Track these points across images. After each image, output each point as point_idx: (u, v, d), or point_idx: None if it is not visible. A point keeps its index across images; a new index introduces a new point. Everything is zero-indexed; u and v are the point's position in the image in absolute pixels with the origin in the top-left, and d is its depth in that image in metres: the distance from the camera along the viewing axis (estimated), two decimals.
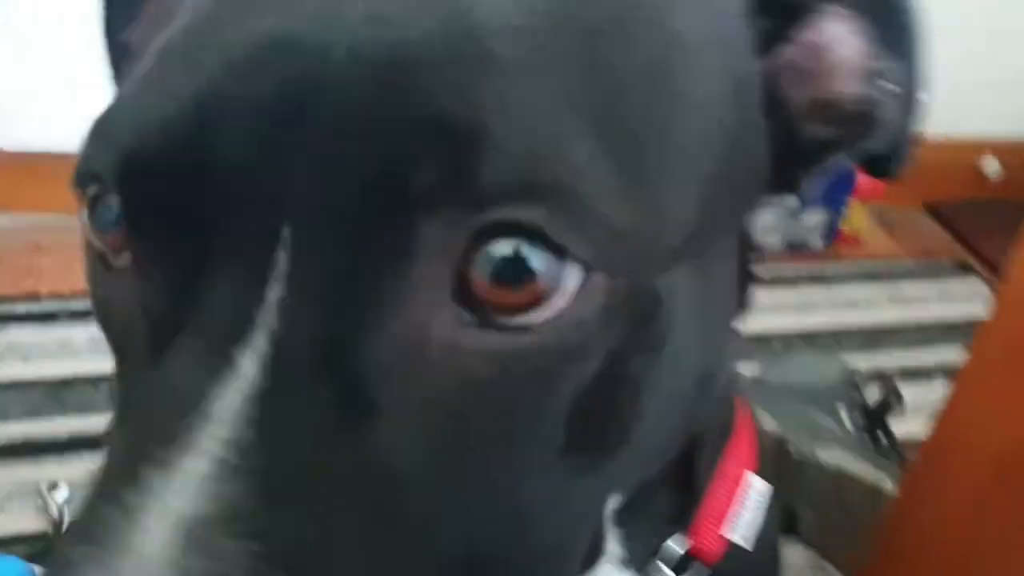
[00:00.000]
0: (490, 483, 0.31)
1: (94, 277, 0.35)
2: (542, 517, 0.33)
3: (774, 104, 0.38)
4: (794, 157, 0.39)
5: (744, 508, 0.50)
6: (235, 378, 0.28)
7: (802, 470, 1.11)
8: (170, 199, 0.29)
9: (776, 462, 1.15)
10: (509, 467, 0.31)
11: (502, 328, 0.29)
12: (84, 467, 1.09)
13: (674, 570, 0.47)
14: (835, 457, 1.08)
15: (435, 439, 0.29)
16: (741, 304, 0.42)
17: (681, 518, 0.48)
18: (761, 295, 0.42)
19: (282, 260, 0.28)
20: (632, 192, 0.30)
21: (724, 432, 0.50)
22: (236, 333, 0.28)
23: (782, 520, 1.20)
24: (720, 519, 0.49)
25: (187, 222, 0.29)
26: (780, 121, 0.38)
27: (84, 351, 1.31)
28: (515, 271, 0.28)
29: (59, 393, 1.24)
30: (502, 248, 0.28)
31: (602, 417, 0.32)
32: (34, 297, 1.39)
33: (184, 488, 0.27)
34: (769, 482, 1.15)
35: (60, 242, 1.45)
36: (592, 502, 0.37)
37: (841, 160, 0.41)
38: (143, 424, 0.29)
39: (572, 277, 0.29)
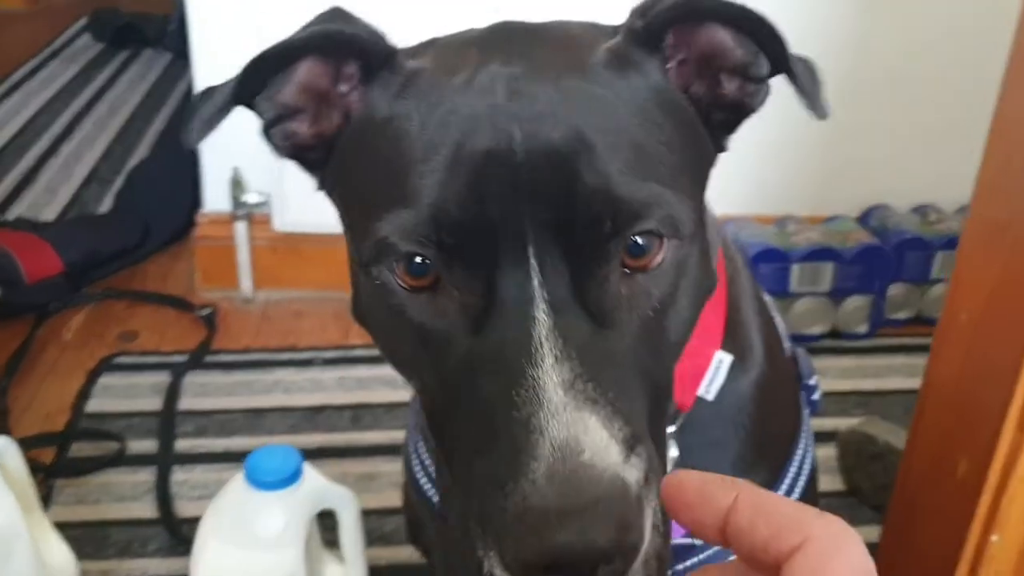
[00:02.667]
0: (662, 350, 0.57)
1: (391, 308, 0.57)
2: (671, 372, 0.60)
3: (696, 105, 0.62)
4: (714, 132, 0.63)
5: (713, 374, 0.72)
6: (539, 324, 0.52)
7: (882, 457, 1.35)
8: (468, 244, 0.54)
9: (859, 450, 1.40)
10: (667, 344, 0.58)
11: (641, 273, 0.55)
12: (332, 470, 1.47)
13: None
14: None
15: (636, 327, 0.55)
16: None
17: None
18: None
19: (535, 267, 0.52)
20: (684, 201, 0.57)
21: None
22: (528, 303, 0.52)
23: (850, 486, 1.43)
24: (695, 380, 0.71)
25: (479, 256, 0.53)
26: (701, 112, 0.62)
27: (331, 387, 1.72)
28: (643, 251, 0.55)
29: (312, 416, 1.65)
30: (640, 241, 0.54)
31: (679, 316, 0.58)
32: (295, 349, 1.82)
33: (555, 369, 0.50)
34: (852, 463, 1.39)
35: (315, 311, 1.90)
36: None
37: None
38: (497, 358, 0.52)
39: (665, 246, 0.55)
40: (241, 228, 1.90)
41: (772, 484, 0.75)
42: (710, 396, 0.72)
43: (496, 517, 0.48)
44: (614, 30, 0.62)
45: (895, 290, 1.86)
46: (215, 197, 1.92)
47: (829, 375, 1.75)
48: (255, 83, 0.61)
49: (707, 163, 0.63)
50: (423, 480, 0.84)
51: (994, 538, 0.80)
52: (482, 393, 0.52)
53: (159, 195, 2.13)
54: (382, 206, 0.55)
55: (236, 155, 1.85)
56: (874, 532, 1.21)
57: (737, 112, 0.63)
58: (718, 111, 0.63)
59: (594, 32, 0.63)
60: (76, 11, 3.45)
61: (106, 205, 2.25)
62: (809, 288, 1.79)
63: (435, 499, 0.82)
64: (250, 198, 1.87)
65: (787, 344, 0.83)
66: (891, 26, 1.89)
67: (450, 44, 0.63)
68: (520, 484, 0.47)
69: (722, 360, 0.71)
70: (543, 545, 0.45)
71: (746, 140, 2.20)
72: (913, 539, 0.93)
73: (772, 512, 0.39)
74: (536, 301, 0.52)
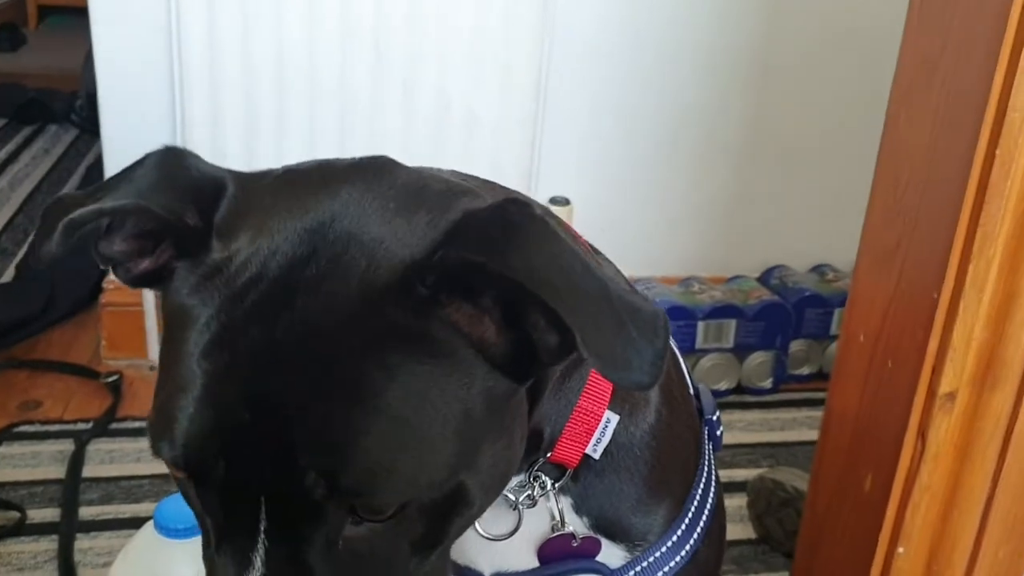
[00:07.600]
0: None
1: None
2: None
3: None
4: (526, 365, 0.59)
5: (600, 434, 0.72)
6: (253, 568, 0.56)
7: (792, 502, 1.38)
8: (206, 479, 0.56)
9: (769, 497, 1.43)
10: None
11: (361, 524, 0.56)
12: None
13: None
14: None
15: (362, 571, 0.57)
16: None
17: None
18: None
19: (263, 519, 0.55)
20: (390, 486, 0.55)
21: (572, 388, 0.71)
22: (249, 549, 0.56)
23: (761, 533, 1.46)
24: (582, 441, 0.71)
25: (217, 492, 0.56)
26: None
27: None
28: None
29: None
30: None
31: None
32: None
33: None
34: (762, 510, 1.42)
35: None
36: None
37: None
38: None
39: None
40: (149, 294, 1.87)
41: (676, 516, 0.76)
42: (596, 455, 0.73)
43: None
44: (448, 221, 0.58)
45: (796, 346, 1.92)
46: None
47: (736, 428, 1.79)
48: (67, 241, 0.62)
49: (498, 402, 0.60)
50: None
51: (900, 550, 0.83)
52: None
53: (63, 264, 2.09)
54: (157, 421, 0.57)
55: None
56: None
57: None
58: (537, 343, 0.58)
59: (427, 219, 0.58)
60: None
61: (8, 276, 2.20)
62: (715, 344, 1.84)
63: None
64: None
65: (689, 382, 0.84)
66: (785, 101, 1.99)
67: (276, 215, 0.59)
68: None
69: (609, 420, 0.72)
70: None
71: (652, 207, 2.27)
72: (822, 563, 0.96)
73: None
74: (256, 551, 0.56)
